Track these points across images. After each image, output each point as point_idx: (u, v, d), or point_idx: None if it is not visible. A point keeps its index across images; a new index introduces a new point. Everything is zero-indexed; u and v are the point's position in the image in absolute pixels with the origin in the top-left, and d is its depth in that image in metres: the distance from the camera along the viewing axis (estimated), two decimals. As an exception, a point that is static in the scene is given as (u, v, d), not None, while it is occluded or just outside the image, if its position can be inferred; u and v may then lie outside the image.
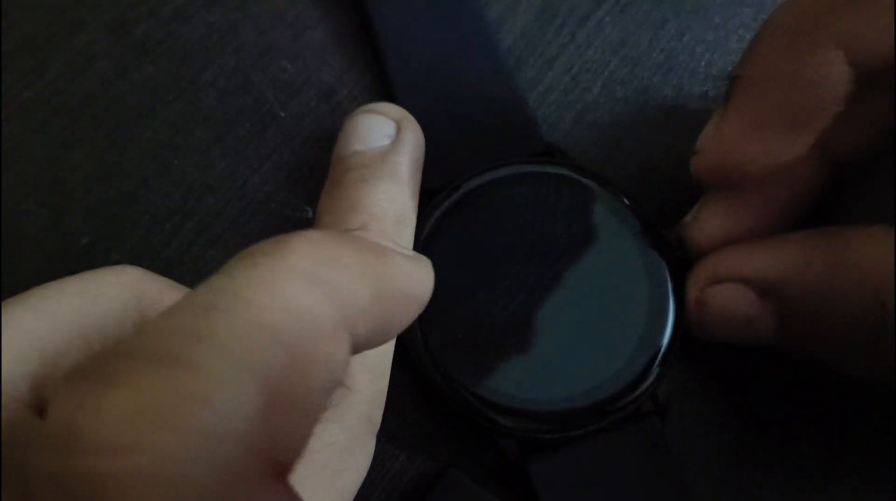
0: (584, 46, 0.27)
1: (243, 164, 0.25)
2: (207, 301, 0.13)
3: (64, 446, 0.12)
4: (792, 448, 0.23)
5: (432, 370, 0.21)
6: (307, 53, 0.27)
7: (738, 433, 0.23)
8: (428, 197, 0.23)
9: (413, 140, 0.22)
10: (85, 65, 0.26)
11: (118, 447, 0.11)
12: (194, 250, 0.24)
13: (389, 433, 0.22)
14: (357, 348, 0.15)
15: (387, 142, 0.22)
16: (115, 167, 0.25)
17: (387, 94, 0.26)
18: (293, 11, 0.27)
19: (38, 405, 0.16)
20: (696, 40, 0.27)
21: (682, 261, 0.23)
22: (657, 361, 0.21)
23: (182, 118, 0.26)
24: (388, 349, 0.21)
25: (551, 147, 0.24)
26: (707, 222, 0.22)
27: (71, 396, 0.12)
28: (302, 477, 0.18)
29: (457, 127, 0.24)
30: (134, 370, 0.12)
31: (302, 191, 0.25)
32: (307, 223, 0.25)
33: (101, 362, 0.13)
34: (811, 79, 0.19)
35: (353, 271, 0.15)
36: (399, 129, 0.22)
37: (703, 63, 0.27)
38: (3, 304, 0.17)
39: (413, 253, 0.18)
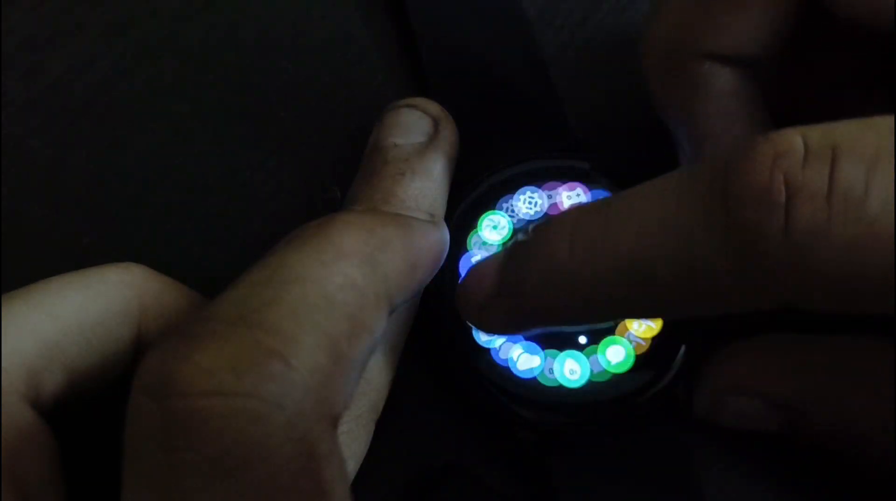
0: (583, 47, 0.27)
1: (244, 164, 0.25)
2: (266, 276, 0.15)
3: (160, 390, 0.14)
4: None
5: (455, 362, 0.22)
6: (307, 54, 0.27)
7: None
8: (455, 188, 0.23)
9: (450, 139, 0.23)
10: (85, 66, 0.26)
11: (208, 390, 0.13)
12: (194, 250, 0.24)
13: (390, 433, 0.22)
14: (390, 311, 0.17)
15: (425, 138, 0.22)
16: (115, 168, 0.25)
17: (388, 95, 0.26)
18: (293, 12, 0.27)
19: (34, 396, 0.16)
20: (696, 41, 0.27)
21: None
22: (678, 357, 0.22)
23: (182, 119, 0.26)
24: (401, 338, 0.21)
25: (581, 141, 0.24)
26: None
27: (164, 351, 0.14)
28: None
29: (488, 120, 0.25)
30: (218, 330, 0.14)
31: (302, 190, 0.25)
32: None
33: (188, 324, 0.15)
34: None
35: (391, 248, 0.17)
36: (437, 126, 0.22)
37: (702, 63, 0.27)
38: (3, 297, 0.17)
39: (428, 216, 0.21)
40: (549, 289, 0.18)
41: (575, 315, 0.19)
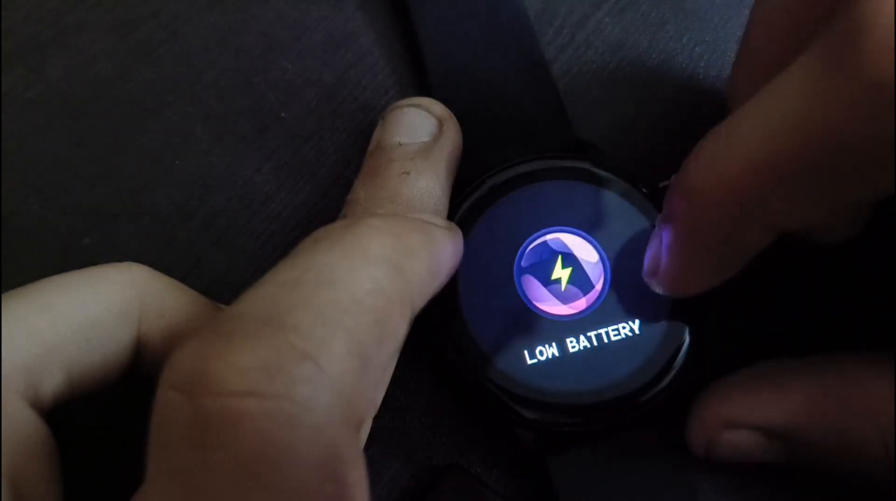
0: (583, 48, 0.27)
1: (244, 164, 0.25)
2: (296, 277, 0.15)
3: (192, 388, 0.14)
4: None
5: (456, 360, 0.22)
6: (308, 54, 0.27)
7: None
8: (456, 189, 0.23)
9: (453, 139, 0.23)
10: (86, 66, 0.26)
11: (241, 391, 0.13)
12: (195, 250, 0.24)
13: (390, 433, 0.22)
14: (412, 316, 0.17)
15: (429, 138, 0.22)
16: (116, 168, 0.25)
17: (389, 95, 0.26)
18: (294, 13, 0.27)
19: (33, 396, 0.16)
20: (696, 41, 0.28)
21: None
22: (679, 357, 0.22)
23: (183, 119, 0.26)
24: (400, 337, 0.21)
25: (582, 142, 0.24)
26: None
27: (197, 347, 0.14)
28: None
29: (490, 121, 0.25)
30: (250, 330, 0.14)
31: (303, 191, 0.25)
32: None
33: (220, 322, 0.15)
34: None
35: (416, 255, 0.17)
36: (441, 127, 0.23)
37: (702, 64, 0.27)
38: (3, 297, 0.17)
39: (446, 222, 0.21)
40: (700, 201, 0.18)
41: (730, 228, 0.18)
